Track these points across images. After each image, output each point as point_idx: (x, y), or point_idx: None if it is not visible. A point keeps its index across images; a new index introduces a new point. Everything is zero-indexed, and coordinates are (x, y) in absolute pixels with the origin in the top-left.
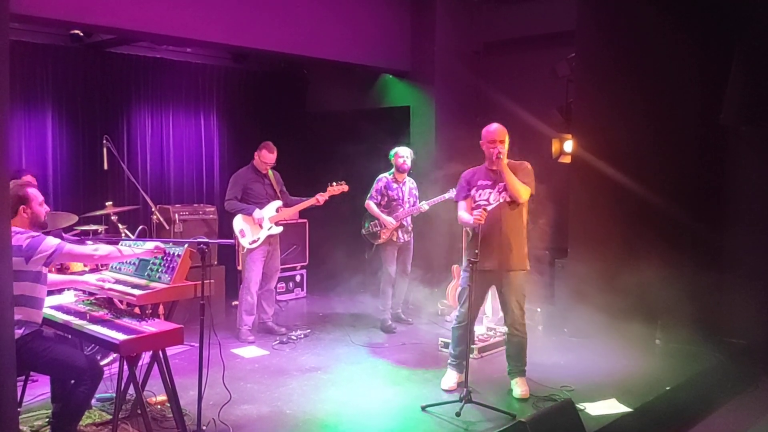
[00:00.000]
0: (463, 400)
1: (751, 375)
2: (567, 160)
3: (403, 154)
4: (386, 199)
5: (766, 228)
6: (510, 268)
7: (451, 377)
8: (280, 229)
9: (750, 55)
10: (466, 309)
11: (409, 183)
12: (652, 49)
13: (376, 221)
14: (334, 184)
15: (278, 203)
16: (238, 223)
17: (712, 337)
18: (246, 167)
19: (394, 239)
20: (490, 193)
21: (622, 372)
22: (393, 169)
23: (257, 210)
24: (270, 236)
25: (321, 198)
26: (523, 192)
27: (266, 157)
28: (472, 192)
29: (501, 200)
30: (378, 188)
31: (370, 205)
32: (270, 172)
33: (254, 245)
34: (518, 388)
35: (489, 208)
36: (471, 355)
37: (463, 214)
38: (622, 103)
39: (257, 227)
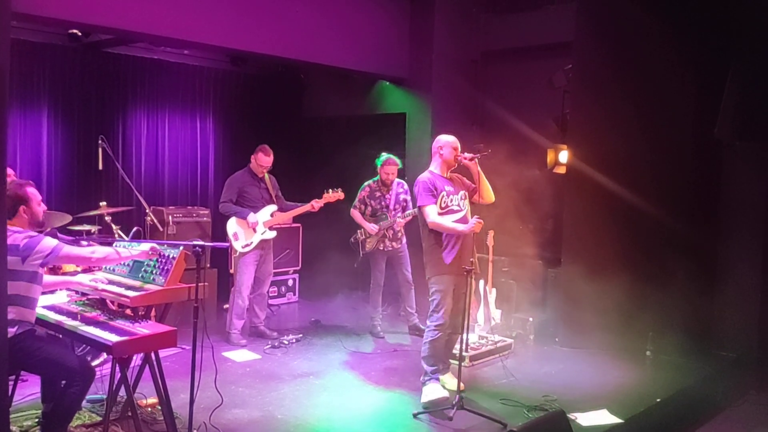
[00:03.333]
0: (456, 406)
1: (741, 388)
2: (562, 170)
3: (390, 171)
4: (369, 208)
5: (757, 241)
6: (476, 271)
7: (434, 388)
8: (274, 233)
9: (744, 71)
10: (449, 317)
11: (397, 188)
12: (649, 61)
13: (361, 230)
14: (330, 191)
15: (273, 208)
16: (232, 226)
17: (702, 350)
18: (242, 170)
19: (381, 247)
20: (461, 199)
21: (613, 383)
22: (378, 177)
23: (252, 214)
24: (263, 240)
25: (316, 204)
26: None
27: (262, 160)
28: (442, 198)
29: (468, 207)
30: (361, 197)
31: (354, 213)
32: (266, 176)
33: (247, 249)
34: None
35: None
36: (462, 363)
37: (444, 220)
38: (618, 115)
39: (251, 231)
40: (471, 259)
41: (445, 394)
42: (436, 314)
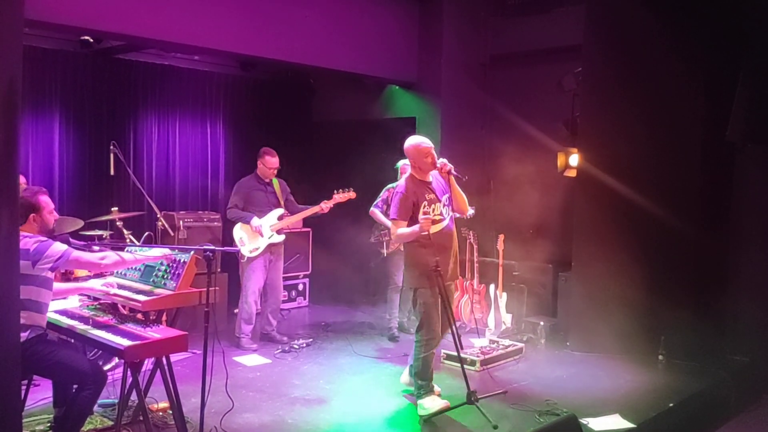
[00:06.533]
0: (473, 400)
1: (755, 392)
2: (572, 173)
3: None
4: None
5: None
6: (454, 278)
7: (432, 398)
8: (282, 237)
9: (755, 73)
10: (438, 329)
11: None
12: (659, 64)
13: (385, 230)
14: (341, 191)
15: (280, 211)
16: (237, 231)
17: (715, 354)
18: (249, 176)
19: (402, 249)
20: (443, 206)
21: (626, 387)
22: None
23: (255, 218)
24: (272, 245)
25: (325, 205)
26: (467, 205)
27: (270, 162)
28: (423, 207)
29: (452, 214)
30: (384, 198)
31: (375, 212)
32: (275, 181)
33: (255, 253)
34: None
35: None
36: (473, 368)
37: (403, 229)
38: (627, 118)
39: (257, 236)
40: (436, 259)
41: (445, 403)
42: (425, 329)
